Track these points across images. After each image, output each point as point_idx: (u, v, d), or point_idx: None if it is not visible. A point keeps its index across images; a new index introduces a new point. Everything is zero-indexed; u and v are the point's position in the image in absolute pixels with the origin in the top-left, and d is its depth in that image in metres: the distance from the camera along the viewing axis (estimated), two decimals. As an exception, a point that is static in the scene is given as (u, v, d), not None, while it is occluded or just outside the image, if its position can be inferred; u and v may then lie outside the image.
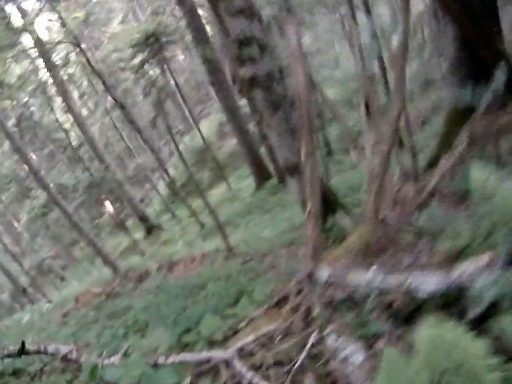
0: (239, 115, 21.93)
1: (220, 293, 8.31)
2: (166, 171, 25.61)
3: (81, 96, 36.81)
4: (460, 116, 9.82)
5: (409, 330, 3.83)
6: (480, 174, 5.48)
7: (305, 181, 4.77)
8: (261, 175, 21.99)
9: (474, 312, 3.42)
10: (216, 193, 26.31)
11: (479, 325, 3.17)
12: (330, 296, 4.74)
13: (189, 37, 22.92)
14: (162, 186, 31.86)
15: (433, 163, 10.03)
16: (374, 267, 4.69)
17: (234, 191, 24.62)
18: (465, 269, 3.91)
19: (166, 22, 23.75)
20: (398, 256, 5.79)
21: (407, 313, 4.23)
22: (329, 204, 9.96)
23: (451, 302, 3.87)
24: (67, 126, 32.35)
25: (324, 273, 4.79)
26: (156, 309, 9.19)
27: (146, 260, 19.69)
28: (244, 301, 6.97)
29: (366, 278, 4.48)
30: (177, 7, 22.43)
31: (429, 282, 3.97)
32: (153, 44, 21.93)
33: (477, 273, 3.73)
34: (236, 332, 5.85)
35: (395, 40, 21.54)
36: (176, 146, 21.54)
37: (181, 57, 40.70)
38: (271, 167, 21.77)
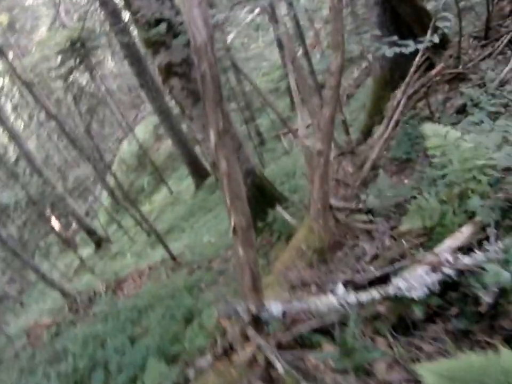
0: (171, 115, 20.49)
1: (166, 321, 7.48)
2: (104, 180, 23.92)
3: (14, 108, 34.11)
4: (388, 80, 8.83)
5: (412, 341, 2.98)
6: (435, 132, 4.35)
7: (220, 180, 3.25)
8: (199, 174, 20.62)
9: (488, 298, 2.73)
10: (158, 198, 24.94)
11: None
12: (291, 334, 3.42)
13: (115, 40, 21.10)
14: (105, 197, 30.03)
15: (366, 133, 9.00)
16: (340, 284, 3.37)
17: (176, 193, 23.23)
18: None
19: (92, 26, 21.92)
20: (358, 250, 4.68)
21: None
22: (266, 196, 8.87)
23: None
24: (4, 140, 30.03)
25: (274, 306, 3.34)
26: (100, 345, 8.14)
27: (96, 277, 18.02)
28: (191, 330, 5.92)
29: (335, 299, 3.17)
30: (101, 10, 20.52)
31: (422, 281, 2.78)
32: (79, 49, 20.11)
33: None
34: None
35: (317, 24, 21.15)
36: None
37: (110, 62, 38.53)
38: (207, 165, 20.34)
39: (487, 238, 3.20)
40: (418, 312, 2.91)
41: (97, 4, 19.52)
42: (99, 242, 25.47)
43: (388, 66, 8.71)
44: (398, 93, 7.16)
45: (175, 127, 20.52)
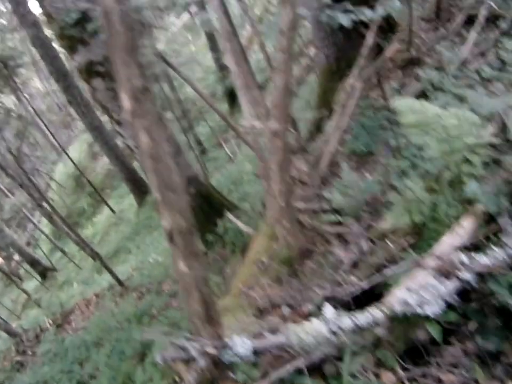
0: (104, 131, 19.37)
1: (115, 360, 6.91)
2: (41, 206, 22.68)
3: None
4: (334, 71, 8.26)
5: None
6: (411, 108, 3.76)
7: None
8: (140, 191, 19.55)
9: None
10: (101, 219, 23.85)
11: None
12: (268, 381, 2.55)
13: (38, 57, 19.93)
14: (45, 224, 28.66)
15: (315, 129, 8.41)
16: (327, 304, 2.61)
17: (118, 213, 22.20)
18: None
19: (13, 44, 20.71)
20: (332, 257, 4.04)
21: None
22: (214, 205, 8.14)
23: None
24: None
25: (241, 343, 2.50)
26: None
27: (43, 311, 17.10)
28: (144, 371, 5.50)
29: (324, 325, 2.40)
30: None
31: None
32: (1, 70, 18.89)
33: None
34: None
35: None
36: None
37: (38, 80, 36.89)
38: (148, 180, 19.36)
39: (498, 231, 2.57)
40: (434, 334, 2.24)
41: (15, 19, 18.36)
42: (44, 273, 24.21)
43: (333, 55, 8.19)
44: (349, 81, 6.58)
45: (109, 143, 19.37)
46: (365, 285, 2.81)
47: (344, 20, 5.19)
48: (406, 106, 3.68)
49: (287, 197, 3.82)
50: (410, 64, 7.17)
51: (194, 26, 22.74)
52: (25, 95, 22.32)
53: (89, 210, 26.09)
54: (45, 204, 24.66)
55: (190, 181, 7.91)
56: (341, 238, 4.09)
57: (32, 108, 23.12)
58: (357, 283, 2.99)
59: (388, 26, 7.78)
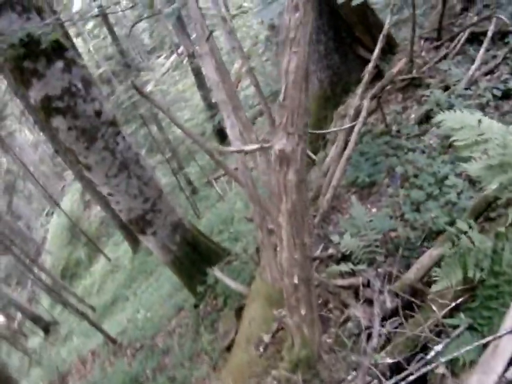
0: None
1: None
2: (33, 264, 21.87)
3: None
4: (328, 96, 7.50)
5: None
6: (462, 122, 2.93)
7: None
8: (133, 238, 18.28)
9: None
10: (97, 269, 23.03)
11: None
12: None
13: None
14: (43, 278, 27.87)
15: (309, 162, 7.72)
16: None
17: (114, 261, 21.36)
18: None
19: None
20: (351, 326, 3.16)
21: None
22: (203, 252, 7.24)
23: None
24: None
25: None
26: None
27: (44, 371, 16.07)
28: None
29: None
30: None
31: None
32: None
33: None
34: None
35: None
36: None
37: (25, 132, 35.86)
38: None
39: None
40: None
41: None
42: (46, 328, 23.22)
43: (328, 79, 7.53)
44: (356, 100, 5.85)
45: (99, 191, 18.39)
46: (412, 370, 1.93)
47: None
48: (457, 121, 2.85)
49: (302, 249, 2.79)
50: (412, 85, 6.55)
51: (182, 66, 22.24)
52: (16, 147, 21.60)
53: (86, 260, 25.24)
54: (41, 260, 24.04)
55: (175, 228, 7.07)
56: (356, 293, 3.25)
57: (20, 160, 22.34)
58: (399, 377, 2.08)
59: (388, 47, 7.16)
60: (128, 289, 17.17)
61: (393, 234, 4.01)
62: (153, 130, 17.39)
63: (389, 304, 2.85)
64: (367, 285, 3.19)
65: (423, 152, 5.18)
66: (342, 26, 7.14)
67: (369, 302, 3.06)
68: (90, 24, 21.33)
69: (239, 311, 5.27)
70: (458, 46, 6.60)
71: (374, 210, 5.14)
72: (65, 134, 5.93)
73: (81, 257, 25.53)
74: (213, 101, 18.65)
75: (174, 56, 23.03)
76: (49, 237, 29.02)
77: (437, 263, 2.82)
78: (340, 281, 3.45)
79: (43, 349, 21.66)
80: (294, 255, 2.64)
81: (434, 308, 2.47)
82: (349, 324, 3.06)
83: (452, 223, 3.53)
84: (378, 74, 6.80)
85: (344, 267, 3.45)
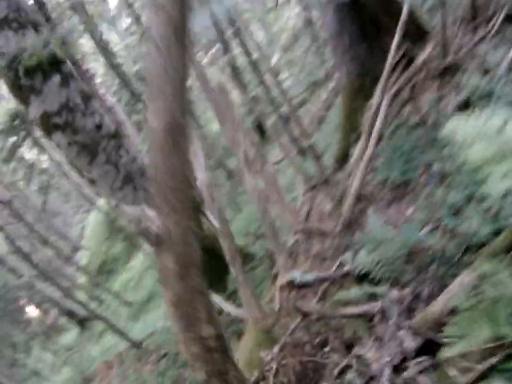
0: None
1: None
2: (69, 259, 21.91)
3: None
4: (358, 89, 7.05)
5: None
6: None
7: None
8: None
9: None
10: (135, 264, 22.90)
11: None
12: None
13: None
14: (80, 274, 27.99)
15: (342, 157, 7.12)
16: None
17: (152, 255, 21.06)
18: None
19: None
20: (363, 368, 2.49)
21: None
22: (222, 259, 6.71)
23: None
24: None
25: None
26: None
27: (72, 373, 16.36)
28: None
29: None
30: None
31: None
32: (21, 125, 18.05)
33: None
34: None
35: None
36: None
37: None
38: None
39: None
40: None
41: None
42: (82, 323, 23.34)
43: (355, 71, 6.98)
44: (375, 99, 5.20)
45: None
46: None
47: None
48: (468, 130, 2.19)
49: (205, 356, 2.26)
50: (447, 71, 5.88)
51: (220, 61, 21.91)
52: (52, 147, 21.46)
53: (124, 255, 25.31)
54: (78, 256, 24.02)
55: None
56: (370, 324, 2.63)
57: (54, 159, 22.31)
58: None
59: (417, 33, 6.58)
60: (164, 287, 16.75)
61: (424, 246, 3.37)
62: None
63: (408, 344, 2.24)
64: (385, 314, 2.57)
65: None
66: (365, 16, 6.64)
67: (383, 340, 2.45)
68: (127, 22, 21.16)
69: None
70: (496, 26, 5.85)
71: (409, 211, 4.53)
72: (66, 149, 5.70)
73: (118, 253, 25.70)
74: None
75: (212, 52, 22.66)
76: (87, 233, 29.24)
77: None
78: (351, 309, 2.81)
79: (77, 345, 22.06)
80: (192, 350, 2.07)
81: (453, 372, 1.82)
82: (349, 375, 2.41)
83: (496, 233, 2.91)
84: (409, 63, 6.20)
85: (356, 291, 2.82)
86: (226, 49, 17.69)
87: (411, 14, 6.28)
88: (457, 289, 2.33)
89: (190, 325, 2.02)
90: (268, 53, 19.92)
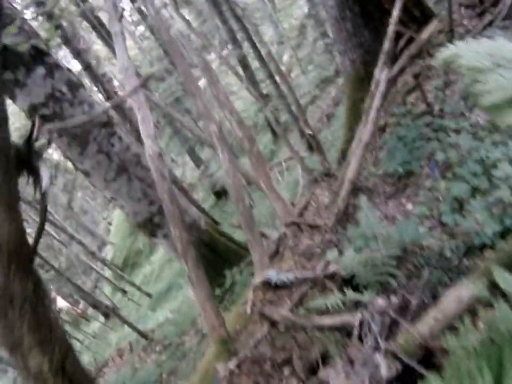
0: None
1: None
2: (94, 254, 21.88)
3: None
4: (363, 77, 6.52)
5: None
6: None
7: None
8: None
9: None
10: (157, 258, 22.85)
11: None
12: None
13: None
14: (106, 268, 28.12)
15: (347, 149, 6.51)
16: None
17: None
18: None
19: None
20: None
21: None
22: (221, 253, 6.41)
23: None
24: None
25: None
26: None
27: (92, 357, 15.77)
28: None
29: None
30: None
31: None
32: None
33: None
34: None
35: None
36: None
37: None
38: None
39: None
40: None
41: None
42: (107, 314, 23.13)
43: (359, 58, 6.44)
44: (372, 82, 4.60)
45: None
46: None
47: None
48: (479, 55, 1.54)
49: None
50: None
51: (231, 59, 21.54)
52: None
53: (146, 249, 25.27)
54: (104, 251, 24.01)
55: (190, 229, 6.16)
56: (346, 341, 2.04)
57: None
58: None
59: (422, 16, 6.03)
60: (182, 278, 16.27)
61: (421, 246, 2.76)
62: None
63: (384, 372, 1.66)
64: (363, 329, 1.98)
65: (469, 133, 3.87)
66: (362, 13, 6.15)
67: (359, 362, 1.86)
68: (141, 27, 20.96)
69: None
70: (504, 10, 5.26)
71: (409, 206, 3.93)
72: (58, 141, 5.26)
73: (141, 247, 25.71)
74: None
75: (224, 52, 22.30)
76: (112, 229, 29.27)
77: (470, 312, 1.62)
78: (327, 320, 2.21)
79: (101, 333, 22.09)
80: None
81: None
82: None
83: (503, 234, 2.32)
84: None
85: (335, 298, 2.23)
86: (237, 47, 17.15)
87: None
88: (452, 306, 1.72)
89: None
90: (279, 51, 19.49)
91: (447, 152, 3.82)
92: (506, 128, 3.38)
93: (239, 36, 16.42)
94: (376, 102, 3.97)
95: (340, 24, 6.26)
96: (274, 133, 17.70)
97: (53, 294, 24.03)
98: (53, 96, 5.06)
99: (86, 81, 17.80)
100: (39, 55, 5.06)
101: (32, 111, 5.05)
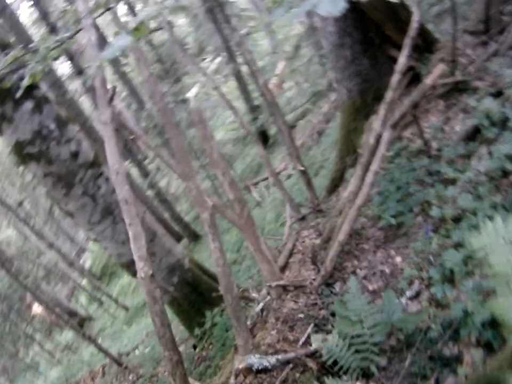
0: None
1: None
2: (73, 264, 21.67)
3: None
4: (359, 106, 6.41)
5: None
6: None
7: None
8: (193, 235, 17.68)
9: None
10: (135, 269, 22.44)
11: None
12: None
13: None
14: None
15: (338, 180, 6.52)
16: None
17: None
18: None
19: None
20: None
21: None
22: (203, 292, 6.17)
23: None
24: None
25: None
26: None
27: (64, 372, 15.89)
28: None
29: None
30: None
31: None
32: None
33: None
34: None
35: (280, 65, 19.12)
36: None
37: None
38: (178, 228, 17.94)
39: None
40: None
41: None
42: (81, 323, 23.30)
43: (357, 87, 6.30)
44: (376, 121, 4.36)
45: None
46: None
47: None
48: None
49: None
50: (455, 90, 5.09)
51: (225, 69, 21.42)
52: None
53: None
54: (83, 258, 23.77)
55: (172, 270, 6.09)
56: None
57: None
58: None
59: (424, 44, 5.88)
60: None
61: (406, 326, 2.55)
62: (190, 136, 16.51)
63: None
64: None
65: (467, 188, 3.65)
66: (369, 25, 5.88)
67: None
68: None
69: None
70: (510, 38, 5.08)
71: (398, 259, 3.73)
72: (43, 180, 5.12)
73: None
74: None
75: (218, 59, 22.10)
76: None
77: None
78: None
79: (74, 344, 22.00)
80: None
81: None
82: None
83: (493, 324, 2.14)
84: (415, 79, 5.52)
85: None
86: (231, 57, 16.98)
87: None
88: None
89: None
90: (272, 61, 19.36)
91: (442, 206, 3.61)
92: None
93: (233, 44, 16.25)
94: (375, 166, 3.77)
95: (339, 50, 6.09)
96: (265, 144, 17.54)
97: (29, 299, 23.84)
98: (40, 133, 4.86)
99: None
100: (28, 88, 4.88)
101: (18, 148, 4.86)
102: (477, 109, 4.33)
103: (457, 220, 3.35)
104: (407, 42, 4.22)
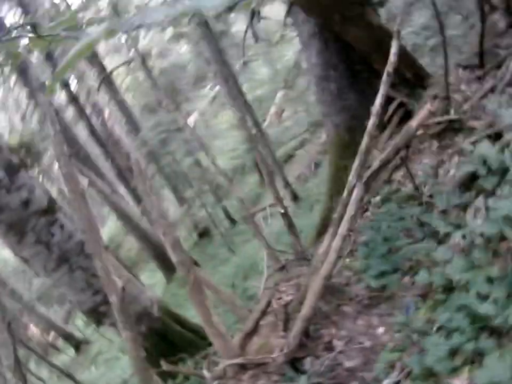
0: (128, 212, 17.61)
1: None
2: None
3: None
4: (347, 143, 6.08)
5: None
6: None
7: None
8: (168, 268, 17.26)
9: None
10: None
11: None
12: None
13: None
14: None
15: (327, 222, 5.83)
16: None
17: (147, 288, 20.08)
18: None
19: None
20: None
21: None
22: (174, 343, 5.78)
23: None
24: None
25: None
26: None
27: None
28: None
29: None
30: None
31: None
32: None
33: None
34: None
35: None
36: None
37: None
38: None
39: None
40: None
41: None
42: (78, 346, 22.89)
43: (344, 123, 5.85)
44: (352, 174, 3.81)
45: (132, 221, 17.64)
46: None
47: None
48: None
49: None
50: (450, 130, 4.71)
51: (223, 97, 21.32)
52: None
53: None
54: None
55: (139, 318, 5.66)
56: None
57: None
58: None
59: (415, 78, 5.56)
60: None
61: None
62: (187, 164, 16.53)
63: None
64: None
65: (462, 250, 3.06)
66: (354, 58, 5.60)
67: None
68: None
69: None
70: (508, 74, 4.66)
71: (380, 331, 3.17)
72: None
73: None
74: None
75: (218, 87, 22.02)
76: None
77: None
78: None
79: (71, 367, 20.14)
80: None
81: None
82: None
83: None
84: (407, 115, 5.15)
85: None
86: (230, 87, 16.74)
87: (406, 55, 5.30)
88: None
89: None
90: (272, 90, 19.07)
91: (431, 272, 3.04)
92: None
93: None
94: (343, 229, 3.24)
95: (323, 85, 5.67)
96: (261, 175, 17.18)
97: (25, 321, 23.40)
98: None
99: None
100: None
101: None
102: (473, 154, 3.79)
103: (446, 290, 2.79)
104: (384, 80, 3.71)
